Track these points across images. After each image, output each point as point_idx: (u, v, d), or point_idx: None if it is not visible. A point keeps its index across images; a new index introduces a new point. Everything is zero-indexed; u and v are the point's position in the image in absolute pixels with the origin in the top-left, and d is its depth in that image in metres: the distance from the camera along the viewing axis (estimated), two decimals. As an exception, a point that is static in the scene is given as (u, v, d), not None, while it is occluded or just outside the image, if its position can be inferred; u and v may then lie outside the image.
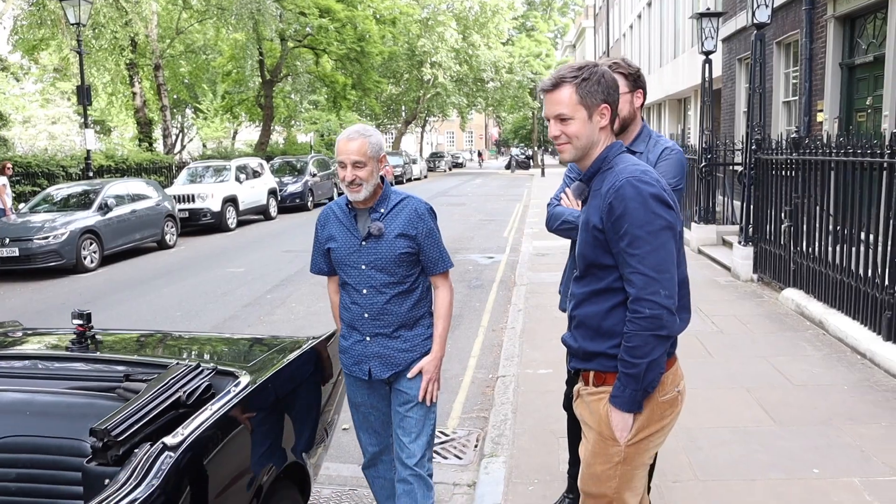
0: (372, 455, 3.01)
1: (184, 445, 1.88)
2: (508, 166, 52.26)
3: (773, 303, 7.29)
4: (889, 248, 5.12)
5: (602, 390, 2.12)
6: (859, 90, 9.84)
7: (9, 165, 14.36)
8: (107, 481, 1.75)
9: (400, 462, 2.84)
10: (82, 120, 45.72)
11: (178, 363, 2.23)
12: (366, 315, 2.78)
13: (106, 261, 12.59)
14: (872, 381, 4.89)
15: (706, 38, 10.56)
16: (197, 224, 16.55)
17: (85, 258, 12.05)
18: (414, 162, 42.17)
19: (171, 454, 1.82)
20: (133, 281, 10.70)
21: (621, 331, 2.05)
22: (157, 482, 1.74)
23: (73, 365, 2.50)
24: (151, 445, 1.83)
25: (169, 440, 1.85)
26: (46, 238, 11.59)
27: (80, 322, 2.69)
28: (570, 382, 3.14)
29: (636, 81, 2.76)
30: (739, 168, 9.46)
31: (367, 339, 2.80)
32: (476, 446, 4.37)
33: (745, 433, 4.11)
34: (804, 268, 6.87)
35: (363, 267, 2.76)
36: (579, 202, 2.90)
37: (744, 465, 3.73)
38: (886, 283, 5.19)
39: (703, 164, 10.56)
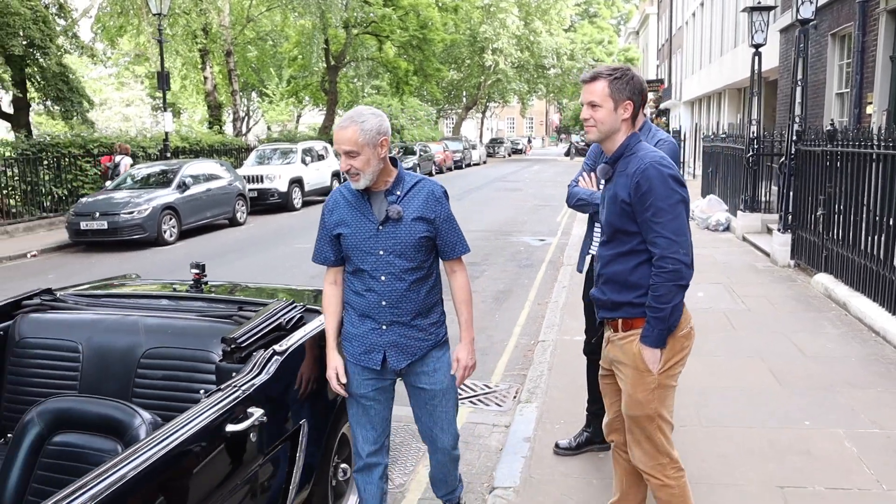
0: (368, 456, 2.84)
1: (287, 353, 2.60)
2: (568, 153, 52.44)
3: (804, 286, 7.71)
4: (903, 234, 5.54)
5: (631, 334, 2.63)
6: (909, 83, 10.02)
7: (127, 147, 15.79)
8: (234, 374, 2.47)
9: (434, 445, 2.98)
10: (154, 102, 47.37)
11: (278, 300, 2.96)
12: (383, 303, 2.68)
13: (183, 235, 13.62)
14: (881, 355, 5.34)
15: (755, 32, 10.85)
16: (265, 203, 17.55)
17: (165, 232, 13.09)
18: (473, 147, 42.73)
19: (279, 357, 2.55)
20: (208, 254, 11.64)
21: (643, 284, 2.56)
22: (270, 374, 2.46)
23: (195, 302, 3.25)
24: (265, 351, 2.55)
25: (277, 348, 2.58)
26: (131, 213, 12.66)
27: (198, 271, 3.45)
28: (588, 332, 3.77)
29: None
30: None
31: (384, 327, 2.71)
32: (515, 397, 5.02)
33: (752, 393, 4.65)
34: (834, 253, 7.27)
35: (381, 252, 2.65)
36: (593, 183, 3.52)
37: (744, 416, 4.28)
38: (900, 266, 5.61)
39: (750, 154, 10.88)
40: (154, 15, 17.06)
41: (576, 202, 3.54)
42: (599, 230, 3.53)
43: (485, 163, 44.05)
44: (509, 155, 55.60)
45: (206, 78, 27.56)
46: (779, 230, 9.07)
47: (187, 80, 35.24)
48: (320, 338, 2.84)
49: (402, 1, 29.22)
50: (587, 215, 3.67)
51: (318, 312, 3.04)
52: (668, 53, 40.54)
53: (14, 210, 15.08)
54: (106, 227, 12.56)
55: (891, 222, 5.87)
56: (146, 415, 2.18)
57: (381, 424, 2.85)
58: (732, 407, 4.43)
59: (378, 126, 2.57)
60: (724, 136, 14.01)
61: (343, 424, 3.05)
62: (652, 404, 2.64)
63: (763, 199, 11.26)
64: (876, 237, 6.16)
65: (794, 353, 5.47)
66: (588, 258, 3.70)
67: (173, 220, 13.39)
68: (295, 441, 2.65)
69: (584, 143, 61.15)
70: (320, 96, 36.53)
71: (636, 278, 2.60)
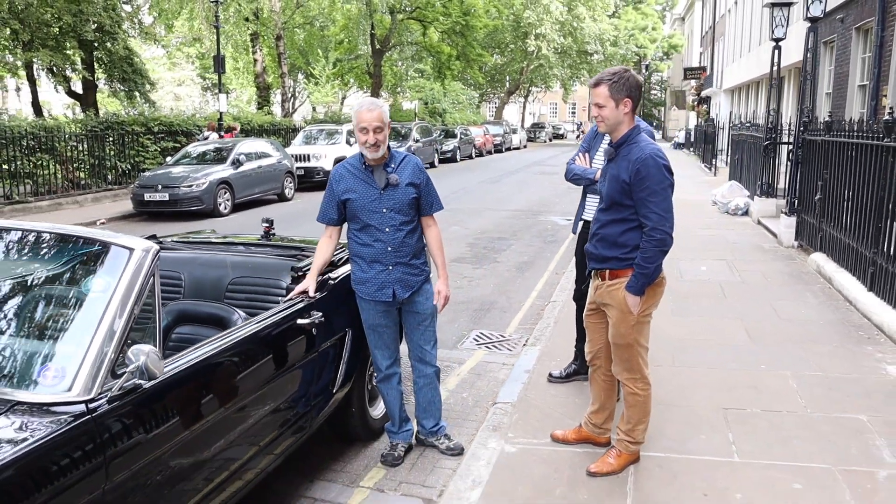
0: (386, 369, 3.68)
1: (337, 279, 3.56)
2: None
3: (801, 264, 8.42)
4: (874, 216, 6.26)
5: (617, 282, 3.42)
6: (920, 77, 10.55)
7: (214, 124, 17.23)
8: (299, 293, 3.43)
9: (422, 363, 3.75)
10: (203, 83, 48.64)
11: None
12: (389, 249, 3.49)
13: (236, 208, 14.74)
14: (847, 320, 6.10)
15: (776, 26, 11.42)
16: (311, 181, 18.62)
17: (220, 205, 14.22)
18: (514, 132, 43.31)
19: (331, 281, 3.51)
20: (259, 226, 12.70)
21: (629, 244, 3.34)
22: (325, 292, 3.41)
23: (266, 248, 4.22)
24: (322, 276, 3.50)
25: (331, 275, 3.53)
26: (190, 186, 13.81)
27: (267, 224, 4.42)
28: (578, 282, 4.64)
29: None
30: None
31: (390, 268, 3.50)
32: (524, 345, 5.91)
33: (723, 345, 5.47)
34: (827, 234, 7.97)
35: (384, 210, 3.47)
36: (586, 161, 4.36)
37: (711, 361, 5.12)
38: (871, 243, 6.34)
39: (767, 142, 11.51)
40: (211, 2, 18.16)
41: (572, 176, 4.39)
42: (591, 200, 4.40)
43: (525, 147, 44.63)
44: (550, 140, 56.02)
45: (255, 60, 28.77)
46: (785, 213, 9.75)
47: (239, 63, 36.56)
48: None
49: (446, -13, 29.95)
50: (581, 187, 4.52)
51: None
52: (711, 41, 40.51)
53: (83, 182, 16.41)
54: (167, 198, 13.74)
55: (866, 204, 6.58)
56: (242, 313, 3.14)
57: (393, 343, 3.72)
58: (703, 355, 5.26)
59: (388, 111, 3.51)
60: (748, 125, 14.58)
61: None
62: (632, 335, 3.46)
63: (779, 185, 11.88)
64: (855, 218, 6.87)
65: (772, 316, 6.25)
66: (580, 223, 4.56)
67: (228, 193, 14.51)
68: (342, 343, 3.60)
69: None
70: (365, 79, 37.56)
71: (623, 240, 3.39)
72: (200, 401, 2.52)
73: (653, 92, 75.33)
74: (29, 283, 2.47)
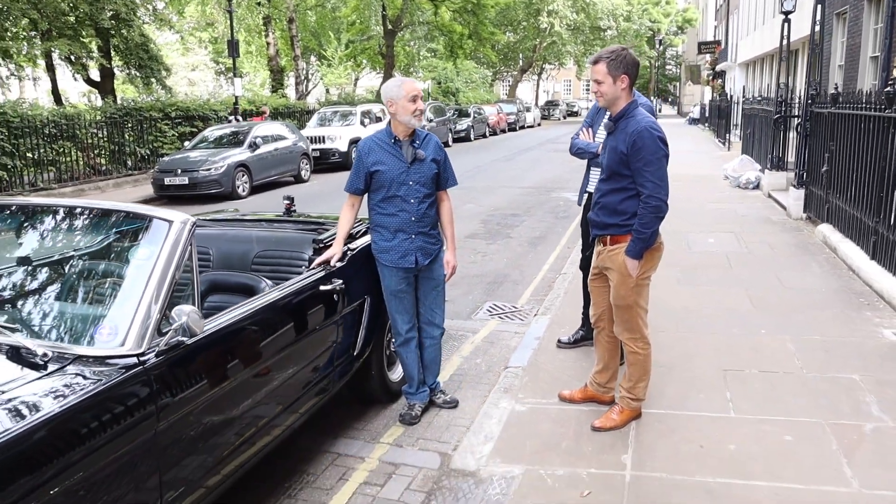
0: (406, 333, 3.92)
1: (356, 250, 3.81)
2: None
3: (808, 235, 8.58)
4: (876, 186, 6.41)
5: (617, 247, 3.66)
6: (930, 48, 10.57)
7: (265, 109, 17.67)
8: (319, 262, 3.68)
9: (432, 325, 4.02)
10: (217, 67, 48.85)
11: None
12: (412, 218, 3.77)
13: (254, 190, 15.05)
14: (850, 288, 6.28)
15: (785, 0, 11.46)
16: (327, 162, 18.90)
17: (238, 187, 14.52)
18: (528, 110, 43.26)
19: (350, 252, 3.76)
20: (278, 206, 12.95)
21: (628, 212, 3.57)
22: (346, 261, 3.67)
23: (288, 224, 4.48)
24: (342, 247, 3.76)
25: (350, 246, 3.78)
26: (209, 170, 14.12)
27: (289, 201, 4.67)
28: (584, 250, 4.85)
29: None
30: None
31: (413, 236, 3.78)
32: (535, 315, 6.15)
33: (727, 312, 5.68)
34: (833, 205, 8.12)
35: (411, 183, 3.75)
36: (590, 136, 4.56)
37: (714, 327, 5.33)
38: (873, 213, 6.50)
39: (777, 115, 11.60)
40: (225, -13, 18.36)
41: (576, 150, 4.59)
42: (595, 173, 4.60)
43: (539, 125, 44.58)
44: (564, 117, 55.84)
45: (268, 44, 28.97)
46: (794, 186, 9.88)
47: (252, 46, 36.78)
48: None
49: (457, -34, 29.90)
50: (586, 161, 4.72)
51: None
52: (725, 14, 40.15)
53: (104, 168, 16.77)
54: (187, 182, 14.05)
55: (869, 175, 6.73)
56: (268, 281, 3.40)
57: (411, 309, 3.97)
58: (707, 321, 5.48)
59: None
60: (759, 98, 14.63)
61: (394, 311, 4.25)
62: (631, 297, 3.70)
63: (789, 158, 11.97)
64: (858, 188, 7.02)
65: (776, 284, 6.45)
66: (585, 196, 4.77)
67: (245, 176, 14.81)
68: (361, 310, 3.86)
69: (639, 106, 60.85)
70: (377, 60, 37.65)
71: (623, 207, 3.62)
72: (234, 358, 2.79)
73: (668, 67, 74.65)
74: (82, 253, 2.74)
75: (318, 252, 3.77)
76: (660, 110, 46.61)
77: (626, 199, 3.58)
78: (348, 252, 3.81)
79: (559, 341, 5.03)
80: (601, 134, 4.44)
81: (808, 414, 3.87)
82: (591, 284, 3.97)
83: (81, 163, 16.06)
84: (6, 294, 2.68)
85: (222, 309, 2.98)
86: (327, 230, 4.04)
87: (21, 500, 1.86)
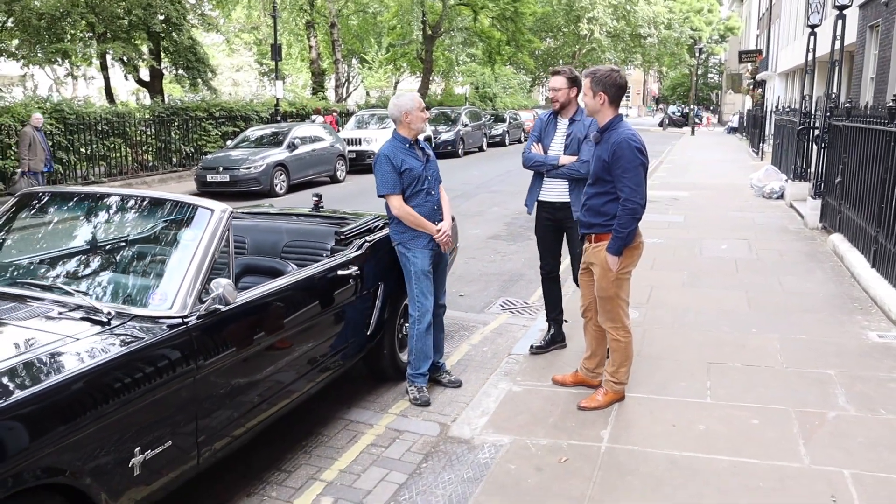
0: (430, 311, 4.37)
1: (373, 242, 4.32)
2: (661, 124, 52.48)
3: (820, 244, 8.85)
4: (878, 196, 6.71)
5: (600, 244, 4.10)
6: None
7: (320, 108, 18.42)
8: (341, 250, 4.18)
9: (440, 304, 4.57)
10: (261, 68, 49.90)
11: (370, 214, 4.67)
12: (434, 207, 4.38)
13: (291, 189, 15.67)
14: (848, 294, 6.58)
15: (812, 13, 11.69)
16: (362, 164, 19.47)
17: (276, 185, 15.17)
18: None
19: (368, 243, 4.26)
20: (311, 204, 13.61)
21: (610, 213, 4.00)
22: (362, 251, 4.18)
23: (315, 218, 5.00)
24: (361, 239, 4.25)
25: (368, 238, 4.29)
26: (249, 168, 14.80)
27: (317, 198, 5.20)
28: (542, 259, 5.10)
29: (573, 81, 4.65)
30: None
31: (435, 222, 4.36)
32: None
33: (723, 312, 6.05)
34: (844, 216, 8.38)
35: (429, 177, 4.36)
36: (541, 150, 4.86)
37: (708, 325, 5.71)
38: (875, 223, 6.79)
39: (801, 127, 11.82)
40: (270, -7, 19.11)
41: (533, 164, 4.80)
42: (550, 183, 4.79)
43: (575, 131, 44.62)
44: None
45: (310, 47, 29.79)
46: (811, 196, 10.13)
47: (293, 49, 37.71)
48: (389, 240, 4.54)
49: (496, -26, 30.38)
50: (532, 172, 4.92)
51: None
52: (767, 23, 39.89)
53: (151, 164, 17.61)
54: (228, 179, 14.76)
55: (872, 186, 7.01)
56: (295, 266, 3.92)
57: (432, 287, 4.43)
58: (702, 319, 5.86)
59: None
60: (787, 109, 14.81)
61: (406, 298, 4.72)
62: (612, 289, 4.14)
63: (812, 169, 12.16)
64: (863, 199, 7.30)
65: (776, 288, 6.78)
66: (535, 204, 4.96)
67: (283, 175, 15.45)
68: (375, 295, 4.36)
69: (679, 114, 60.75)
70: (417, 64, 38.27)
71: (605, 209, 4.08)
72: (261, 326, 3.30)
73: (709, 75, 74.05)
74: (140, 233, 3.29)
75: (339, 243, 4.29)
76: (699, 119, 46.28)
77: (608, 202, 4.02)
78: (366, 243, 4.31)
79: (531, 347, 5.20)
80: (555, 147, 4.77)
81: (778, 402, 4.24)
82: (581, 278, 4.41)
83: (130, 158, 16.90)
84: (79, 266, 3.24)
85: (254, 288, 3.50)
86: (348, 224, 4.55)
87: (95, 421, 2.38)
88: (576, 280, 4.99)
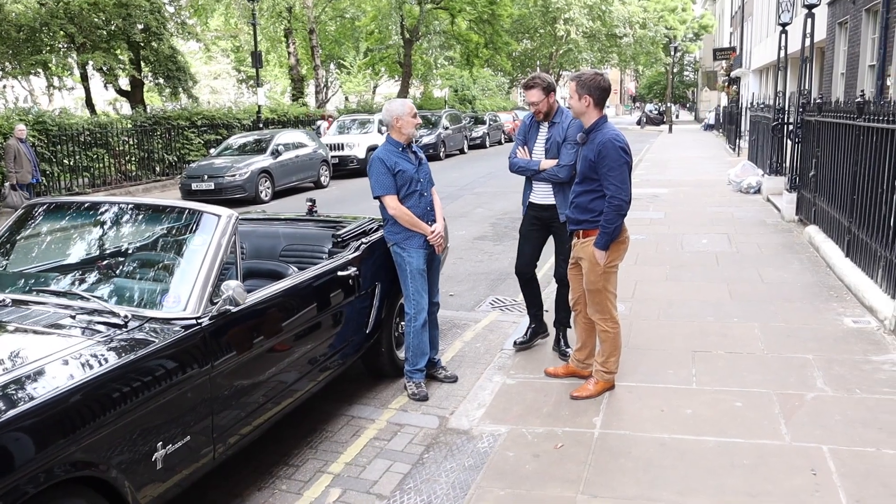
0: (426, 308, 4.53)
1: (368, 244, 4.47)
2: (639, 122, 53.04)
3: (797, 236, 9.12)
4: (849, 188, 6.96)
5: (588, 239, 4.28)
6: (920, 58, 11.07)
7: (323, 114, 18.51)
8: (339, 253, 4.34)
9: (434, 302, 4.71)
10: (239, 76, 49.68)
11: (364, 217, 4.82)
12: (428, 208, 4.55)
13: (276, 195, 15.77)
14: (823, 283, 6.83)
15: (783, 11, 11.99)
16: (345, 169, 19.62)
17: (261, 192, 15.26)
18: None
19: (364, 245, 4.42)
20: (298, 210, 13.69)
21: (596, 210, 4.19)
22: (359, 252, 4.33)
23: (310, 222, 5.15)
24: (357, 241, 4.41)
25: (364, 240, 4.44)
26: (234, 176, 14.88)
27: (311, 202, 5.34)
28: (519, 258, 5.20)
29: (548, 89, 4.77)
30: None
31: (429, 222, 4.51)
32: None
33: (706, 304, 6.26)
34: (819, 208, 8.65)
35: (421, 179, 4.53)
36: (526, 154, 4.99)
37: (692, 315, 5.92)
38: (848, 214, 7.05)
39: (775, 122, 12.12)
40: (249, 1, 19.18)
41: (517, 169, 4.91)
42: (538, 186, 4.91)
43: (554, 132, 44.96)
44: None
45: (289, 53, 29.84)
46: (787, 190, 10.41)
47: (271, 55, 37.70)
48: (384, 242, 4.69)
49: (473, -23, 30.62)
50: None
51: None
52: (740, 21, 40.47)
53: (134, 174, 17.62)
54: (213, 187, 14.82)
55: (844, 178, 7.28)
56: (295, 268, 4.06)
57: (427, 286, 4.60)
58: (686, 310, 6.07)
59: None
60: (762, 106, 15.14)
61: (402, 297, 4.88)
62: (600, 282, 4.33)
63: (787, 164, 12.47)
64: (837, 191, 7.57)
65: (756, 279, 7.01)
66: (526, 206, 5.10)
67: (268, 182, 15.55)
68: (372, 295, 4.51)
69: (656, 112, 61.42)
70: (395, 68, 38.42)
71: (592, 206, 4.27)
72: (270, 326, 3.45)
73: (685, 73, 74.88)
74: (153, 239, 3.43)
75: (336, 245, 4.44)
76: (677, 116, 46.93)
77: (594, 199, 4.21)
78: (363, 245, 4.47)
79: (515, 343, 5.35)
80: (538, 150, 4.89)
81: (760, 386, 4.45)
82: (570, 273, 4.59)
83: (113, 169, 16.91)
84: (93, 272, 3.37)
85: (256, 291, 3.64)
86: (344, 227, 4.70)
87: (120, 417, 2.52)
88: (557, 277, 5.15)
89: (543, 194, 4.96)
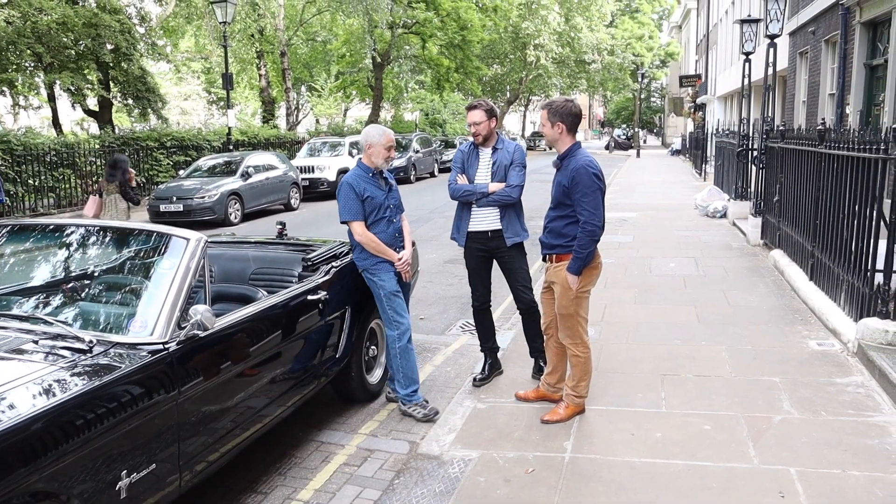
0: (409, 327, 4.57)
1: (338, 268, 4.45)
2: (607, 147, 53.81)
3: (762, 260, 9.28)
4: (812, 213, 7.12)
5: (561, 264, 4.31)
6: (877, 87, 11.42)
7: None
8: (309, 276, 4.31)
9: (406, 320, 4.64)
10: (209, 97, 49.44)
11: (335, 240, 4.80)
12: (396, 234, 4.56)
13: (245, 217, 15.65)
14: (788, 306, 6.95)
15: (746, 41, 12.30)
16: (316, 191, 19.56)
17: (231, 214, 15.15)
18: (513, 140, 44.16)
19: (334, 268, 4.40)
20: (267, 233, 13.61)
21: (570, 235, 4.23)
22: (330, 276, 4.31)
23: (280, 245, 5.11)
24: (328, 265, 4.39)
25: (335, 264, 4.42)
26: (203, 198, 14.75)
27: (281, 226, 5.31)
28: (473, 293, 5.15)
29: (490, 112, 4.78)
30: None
31: (396, 249, 4.55)
32: (502, 330, 6.77)
33: (673, 325, 6.33)
34: (783, 232, 8.83)
35: (390, 206, 4.54)
36: (465, 180, 4.91)
37: (660, 338, 5.98)
38: (811, 238, 7.20)
39: (740, 148, 12.38)
40: (220, 23, 19.15)
41: (462, 194, 4.81)
42: (478, 213, 4.82)
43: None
44: (550, 148, 56.69)
45: (260, 76, 29.79)
46: (752, 214, 10.61)
47: (242, 77, 37.60)
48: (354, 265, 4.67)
49: (444, 4, 30.92)
50: (457, 203, 4.98)
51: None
52: (705, 49, 41.39)
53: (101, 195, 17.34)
54: (182, 209, 14.68)
55: (807, 203, 7.44)
56: (264, 292, 4.03)
57: (405, 305, 4.63)
58: (654, 333, 6.13)
59: None
60: (727, 132, 15.46)
61: (371, 321, 4.86)
62: (572, 307, 4.35)
63: (752, 189, 12.72)
64: (800, 215, 7.73)
65: (722, 302, 7.11)
66: (466, 236, 4.93)
67: (238, 204, 15.44)
68: (343, 318, 4.48)
69: (624, 137, 62.40)
70: (367, 91, 38.54)
71: (566, 231, 4.31)
72: (240, 350, 3.40)
73: (652, 99, 76.26)
74: (119, 263, 3.37)
75: (306, 269, 4.41)
76: (644, 141, 47.74)
77: (568, 225, 4.24)
78: (333, 269, 4.45)
79: (474, 379, 5.15)
80: (481, 176, 4.82)
81: (728, 409, 4.50)
82: (542, 297, 4.62)
83: (80, 189, 16.65)
84: (57, 296, 3.30)
85: (225, 315, 3.60)
86: (314, 251, 4.68)
87: (82, 446, 2.46)
88: (522, 307, 5.04)
89: (489, 220, 4.86)
